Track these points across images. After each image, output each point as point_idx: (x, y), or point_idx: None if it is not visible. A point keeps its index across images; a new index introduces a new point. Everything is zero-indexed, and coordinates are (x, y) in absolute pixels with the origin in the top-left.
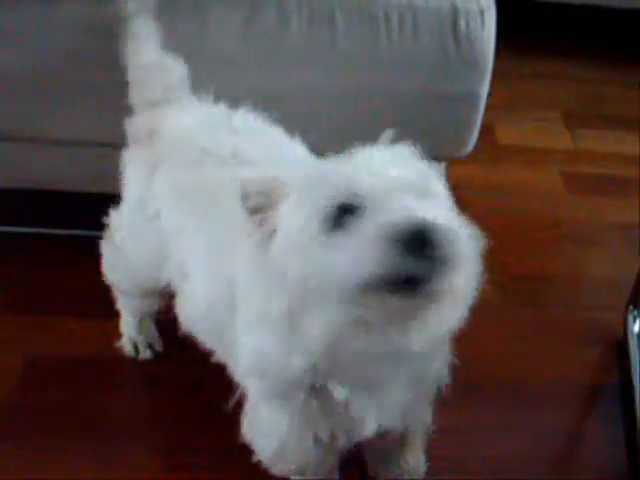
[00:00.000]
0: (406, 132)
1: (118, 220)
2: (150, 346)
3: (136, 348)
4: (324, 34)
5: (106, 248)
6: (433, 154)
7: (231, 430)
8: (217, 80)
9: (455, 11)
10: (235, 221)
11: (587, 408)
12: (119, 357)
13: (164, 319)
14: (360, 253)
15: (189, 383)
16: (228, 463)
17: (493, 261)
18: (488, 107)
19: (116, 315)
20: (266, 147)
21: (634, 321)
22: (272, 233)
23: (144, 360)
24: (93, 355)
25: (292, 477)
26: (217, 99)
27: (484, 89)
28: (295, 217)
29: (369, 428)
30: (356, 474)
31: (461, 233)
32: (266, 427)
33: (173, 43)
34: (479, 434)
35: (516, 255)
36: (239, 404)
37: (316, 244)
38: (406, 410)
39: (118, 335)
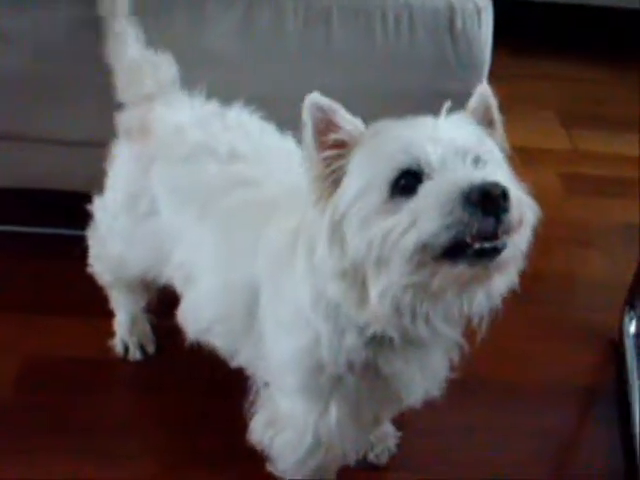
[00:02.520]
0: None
1: (102, 211)
2: (142, 347)
3: (127, 348)
4: (320, 33)
5: (91, 238)
6: None
7: (230, 430)
8: (212, 78)
9: (452, 10)
10: (244, 219)
11: (583, 409)
12: (116, 357)
13: (166, 324)
14: (428, 214)
15: (187, 384)
16: (227, 463)
17: None
18: None
19: (112, 315)
20: (260, 143)
21: (630, 322)
22: (337, 179)
23: (137, 361)
24: (90, 355)
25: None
26: (212, 97)
27: None
28: (362, 175)
29: (416, 396)
30: None
31: (524, 196)
32: (301, 424)
33: (168, 41)
34: (475, 435)
35: None
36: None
37: (381, 208)
38: (441, 380)
39: (113, 334)
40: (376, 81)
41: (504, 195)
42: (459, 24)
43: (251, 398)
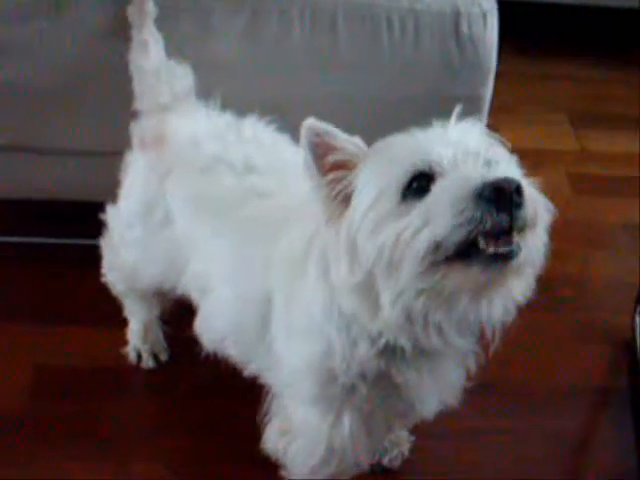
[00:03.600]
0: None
1: (115, 220)
2: (155, 356)
3: (139, 356)
4: (326, 39)
5: (105, 247)
6: None
7: (241, 437)
8: (219, 85)
9: (457, 14)
10: (259, 231)
11: (596, 410)
12: (130, 366)
13: (178, 332)
14: (440, 213)
15: (199, 391)
16: (237, 469)
17: None
18: (493, 109)
19: (125, 323)
20: (274, 155)
21: None
22: (346, 197)
23: (149, 369)
24: (104, 364)
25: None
26: (221, 105)
27: (487, 91)
28: (373, 185)
29: (430, 408)
30: None
31: (538, 195)
32: (314, 432)
33: (175, 48)
34: (487, 438)
35: None
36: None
37: (393, 212)
38: (457, 390)
39: (126, 343)
40: (383, 86)
41: (517, 191)
42: (465, 28)
43: (265, 406)
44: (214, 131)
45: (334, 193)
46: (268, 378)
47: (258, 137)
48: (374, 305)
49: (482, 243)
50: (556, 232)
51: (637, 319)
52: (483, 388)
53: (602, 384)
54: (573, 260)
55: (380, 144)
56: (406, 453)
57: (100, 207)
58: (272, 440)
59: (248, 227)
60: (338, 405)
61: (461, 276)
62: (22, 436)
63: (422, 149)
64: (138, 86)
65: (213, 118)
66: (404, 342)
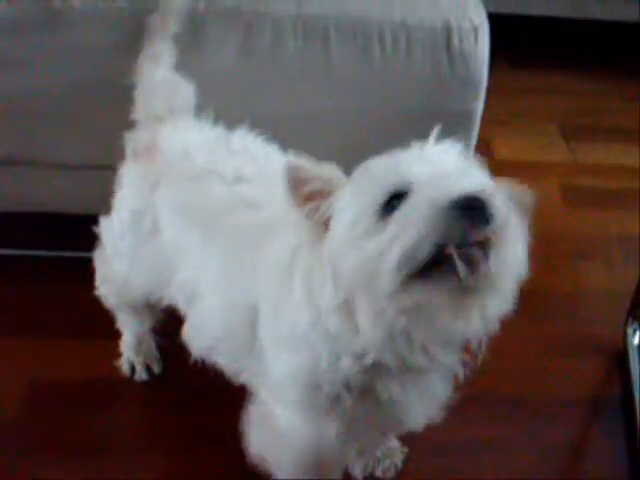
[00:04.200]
0: (402, 149)
1: (108, 232)
2: (148, 368)
3: (133, 369)
4: (319, 53)
5: (97, 259)
6: None
7: (236, 450)
8: (212, 98)
9: (448, 29)
10: (247, 240)
11: (588, 421)
12: (123, 378)
13: (170, 345)
14: (409, 226)
15: (194, 404)
16: None
17: None
18: (485, 122)
19: (118, 336)
20: (264, 167)
21: (634, 333)
22: (327, 222)
23: (142, 381)
24: (97, 376)
25: None
26: (214, 117)
27: (479, 105)
28: (351, 207)
29: (416, 422)
30: None
31: (511, 210)
32: (298, 440)
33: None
34: (481, 449)
35: None
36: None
37: (370, 231)
38: (442, 404)
39: (120, 356)
40: (375, 100)
41: (485, 203)
42: (456, 42)
43: (250, 412)
44: (204, 143)
45: (314, 220)
46: (256, 384)
47: (248, 148)
48: (357, 325)
49: (452, 250)
50: (549, 244)
51: (629, 330)
52: (476, 399)
53: (594, 395)
54: (565, 271)
55: (359, 169)
56: (399, 464)
57: (94, 220)
58: (256, 446)
59: (236, 236)
60: (323, 413)
61: (435, 291)
62: (15, 447)
63: (399, 169)
64: (139, 96)
65: (204, 131)
66: (389, 360)
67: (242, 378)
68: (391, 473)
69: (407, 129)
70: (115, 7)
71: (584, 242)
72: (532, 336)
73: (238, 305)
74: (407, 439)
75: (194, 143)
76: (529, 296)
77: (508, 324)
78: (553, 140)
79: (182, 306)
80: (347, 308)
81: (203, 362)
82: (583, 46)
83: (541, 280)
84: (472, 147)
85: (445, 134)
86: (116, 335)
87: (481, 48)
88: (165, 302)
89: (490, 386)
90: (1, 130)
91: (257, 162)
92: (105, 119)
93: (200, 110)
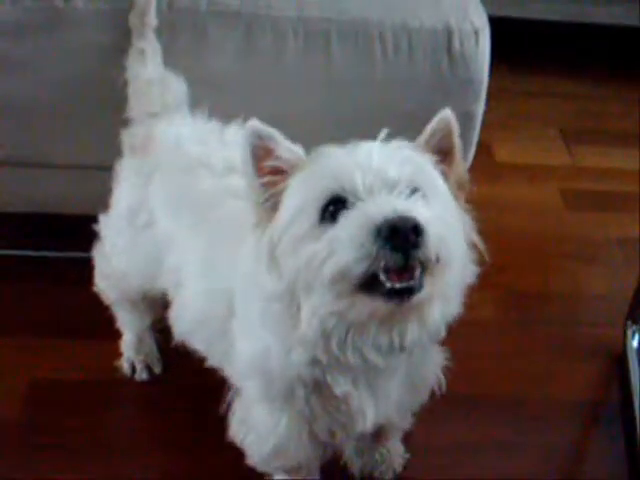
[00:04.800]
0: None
1: (107, 228)
2: (149, 368)
3: (133, 368)
4: (320, 56)
5: (97, 255)
6: None
7: (236, 450)
8: (213, 100)
9: (449, 32)
10: (231, 229)
11: (588, 424)
12: (124, 378)
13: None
14: (343, 245)
15: (194, 403)
16: None
17: (493, 278)
18: (485, 125)
19: (119, 336)
20: None
21: (633, 336)
22: (275, 205)
23: (143, 381)
24: (98, 377)
25: (277, 476)
26: (213, 117)
27: (480, 108)
28: (295, 200)
29: (368, 422)
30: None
31: (448, 232)
32: (262, 428)
33: (171, 62)
34: (479, 450)
35: (515, 272)
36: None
37: (309, 234)
38: (402, 406)
39: (120, 356)
40: (375, 102)
41: (416, 230)
42: (457, 45)
43: (229, 397)
44: (197, 135)
45: (265, 197)
46: (227, 371)
47: (240, 140)
48: (295, 319)
49: (382, 277)
50: (548, 246)
51: (628, 333)
52: (476, 402)
53: (593, 398)
54: (565, 274)
55: (313, 155)
56: (398, 469)
57: (94, 220)
58: (234, 428)
59: (221, 225)
60: (279, 406)
61: (364, 307)
62: (16, 447)
63: (340, 173)
64: (132, 93)
65: (198, 124)
66: (321, 356)
67: (217, 364)
68: (390, 476)
69: (408, 131)
70: (118, 8)
71: (584, 245)
72: (531, 338)
73: (218, 291)
74: (406, 442)
75: (187, 135)
76: (528, 299)
77: (507, 326)
78: (553, 143)
79: (170, 292)
80: (287, 299)
81: (203, 362)
82: (583, 50)
83: (540, 282)
84: (473, 150)
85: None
86: (116, 335)
87: (482, 50)
88: (158, 291)
89: (490, 388)
90: (2, 131)
91: None
92: (105, 120)
93: (201, 110)
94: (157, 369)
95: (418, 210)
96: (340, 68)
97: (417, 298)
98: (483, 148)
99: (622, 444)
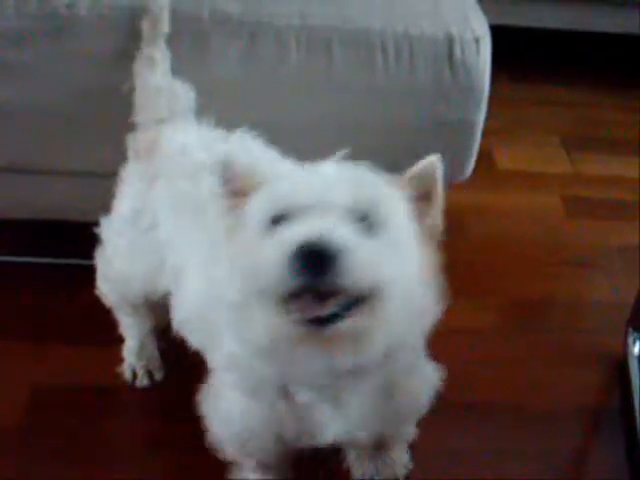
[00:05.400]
0: (404, 159)
1: (108, 231)
2: (150, 373)
3: (135, 374)
4: (321, 63)
5: (99, 259)
6: None
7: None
8: (216, 108)
9: (450, 40)
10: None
11: (588, 431)
12: (122, 384)
13: (171, 351)
14: (267, 264)
15: (192, 410)
16: None
17: (493, 285)
18: (486, 133)
19: (120, 342)
20: (259, 164)
21: (634, 343)
22: (242, 223)
23: (144, 387)
24: (100, 383)
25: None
26: (216, 125)
27: (481, 116)
28: (250, 217)
29: (329, 435)
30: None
31: (383, 265)
32: (232, 414)
33: (174, 69)
34: (480, 457)
35: (516, 279)
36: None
37: (252, 248)
38: (373, 422)
39: (121, 362)
40: (377, 110)
41: (328, 258)
42: (458, 53)
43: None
44: (203, 141)
45: (231, 218)
46: (210, 361)
47: (246, 148)
48: (247, 327)
49: (298, 301)
50: (549, 254)
51: (629, 340)
52: (478, 409)
53: (594, 405)
54: (566, 282)
55: (271, 176)
56: (401, 479)
57: (96, 227)
58: (205, 410)
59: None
60: (247, 400)
61: (287, 325)
62: (17, 453)
63: (288, 192)
64: (139, 99)
65: (203, 131)
66: (267, 370)
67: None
68: None
69: (409, 139)
70: (121, 15)
71: (584, 252)
72: (532, 345)
73: (210, 289)
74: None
75: (192, 141)
76: (529, 305)
77: (509, 333)
78: (554, 151)
79: (172, 289)
80: (243, 307)
81: (204, 368)
82: (584, 58)
83: (541, 290)
84: (474, 158)
85: (444, 145)
86: (117, 341)
87: (483, 58)
88: (159, 295)
89: (491, 395)
90: (6, 137)
91: (251, 160)
92: (109, 127)
93: (203, 116)
94: (158, 375)
95: (343, 236)
96: (342, 76)
97: (335, 328)
98: (484, 156)
99: (623, 451)
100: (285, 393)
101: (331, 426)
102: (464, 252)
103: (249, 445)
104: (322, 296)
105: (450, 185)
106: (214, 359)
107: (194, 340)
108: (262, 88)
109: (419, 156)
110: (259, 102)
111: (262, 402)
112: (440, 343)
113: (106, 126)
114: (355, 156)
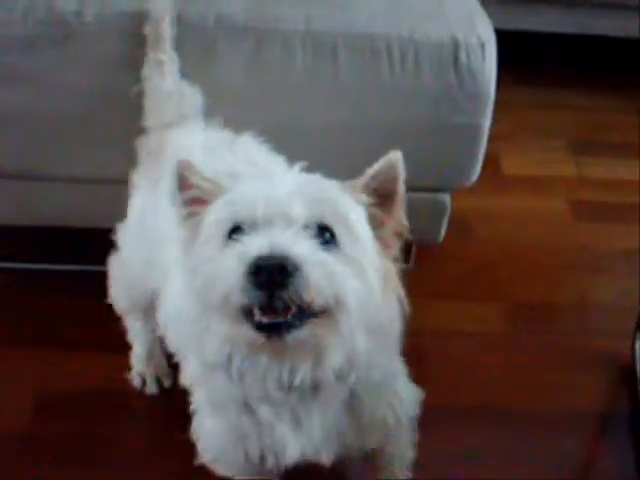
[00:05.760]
0: (410, 164)
1: (124, 235)
2: (159, 381)
3: (144, 382)
4: (327, 68)
5: (113, 263)
6: (437, 185)
7: None
8: (223, 112)
9: (456, 44)
10: None
11: (596, 435)
12: (128, 390)
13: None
14: (224, 274)
15: None
16: None
17: (500, 289)
18: (492, 137)
19: (126, 348)
20: (260, 170)
21: None
22: (198, 232)
23: (153, 394)
24: (102, 388)
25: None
26: (223, 129)
27: (486, 121)
28: (208, 227)
29: (291, 455)
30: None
31: (343, 276)
32: (207, 432)
33: (181, 73)
34: (487, 461)
35: (523, 283)
36: None
37: (211, 257)
38: (337, 441)
39: (128, 368)
40: (382, 115)
41: (285, 270)
42: (463, 58)
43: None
44: (207, 143)
45: (189, 225)
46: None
47: (248, 151)
48: (202, 340)
49: (255, 310)
50: (556, 257)
51: (637, 344)
52: (484, 413)
53: (602, 409)
54: (572, 285)
55: (230, 185)
56: None
57: (103, 233)
58: (192, 430)
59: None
60: (214, 416)
61: (244, 335)
62: (24, 459)
63: (246, 202)
64: (148, 103)
65: (210, 134)
66: (225, 386)
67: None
68: None
69: (415, 143)
70: (128, 22)
71: (591, 256)
72: (539, 349)
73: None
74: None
75: (197, 143)
76: (536, 310)
77: (515, 337)
78: (560, 155)
79: (160, 288)
80: (199, 319)
81: None
82: (589, 61)
83: (548, 294)
84: (480, 163)
85: (450, 149)
86: (125, 348)
87: (488, 63)
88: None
89: (499, 399)
90: (14, 144)
91: (255, 164)
92: (117, 133)
93: (214, 121)
94: (167, 382)
95: (300, 249)
96: (347, 81)
97: (293, 336)
98: (490, 160)
99: (631, 455)
100: (249, 409)
101: (293, 444)
102: (470, 256)
103: (223, 462)
104: (278, 308)
105: (456, 190)
106: (183, 372)
107: (171, 346)
108: (268, 92)
109: (424, 161)
110: (265, 107)
111: (228, 418)
112: (446, 346)
113: (114, 132)
114: (360, 160)
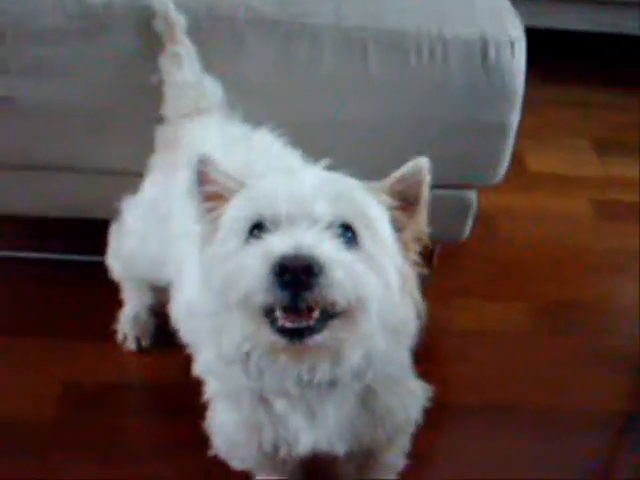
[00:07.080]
0: (437, 160)
1: (129, 209)
2: (138, 340)
3: (125, 338)
4: (356, 65)
5: (113, 233)
6: (463, 182)
7: None
8: (250, 107)
9: (485, 42)
10: None
11: (617, 434)
12: (154, 382)
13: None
14: (248, 273)
15: None
16: None
17: (524, 288)
18: (518, 135)
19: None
20: (276, 164)
21: None
22: (217, 229)
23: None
24: (128, 380)
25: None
26: (246, 123)
27: (514, 119)
28: (229, 222)
29: (303, 446)
30: None
31: (365, 278)
32: (218, 421)
33: (208, 70)
34: (508, 460)
35: (547, 281)
36: None
37: (232, 253)
38: (351, 433)
39: (153, 361)
40: (411, 111)
41: (310, 271)
42: (493, 56)
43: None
44: (224, 137)
45: (208, 220)
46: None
47: (264, 147)
48: (220, 335)
49: (277, 313)
50: (578, 257)
51: None
52: (504, 413)
53: (624, 409)
54: (594, 284)
55: (252, 181)
56: None
57: None
58: (207, 424)
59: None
60: (232, 406)
61: (265, 336)
62: (48, 449)
63: (269, 199)
64: (167, 94)
65: (226, 128)
66: (241, 380)
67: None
68: None
69: (443, 140)
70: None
71: (615, 256)
72: (561, 348)
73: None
74: (434, 447)
75: (214, 136)
76: (561, 309)
77: (539, 336)
78: (584, 154)
79: (174, 281)
80: (217, 315)
81: None
82: (616, 60)
83: (573, 293)
84: (507, 161)
85: (477, 147)
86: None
87: (517, 61)
88: (162, 282)
89: (518, 399)
90: (39, 136)
91: (270, 159)
92: (141, 126)
93: (234, 115)
94: (145, 342)
95: (326, 250)
96: (376, 77)
97: (314, 340)
98: (515, 158)
99: None
100: (263, 401)
101: (307, 435)
102: (494, 254)
103: (236, 453)
104: (302, 309)
105: (481, 188)
106: (196, 363)
107: (185, 339)
108: (296, 87)
109: (451, 157)
110: (293, 101)
111: (243, 409)
112: (471, 346)
113: (141, 124)
114: (387, 156)
